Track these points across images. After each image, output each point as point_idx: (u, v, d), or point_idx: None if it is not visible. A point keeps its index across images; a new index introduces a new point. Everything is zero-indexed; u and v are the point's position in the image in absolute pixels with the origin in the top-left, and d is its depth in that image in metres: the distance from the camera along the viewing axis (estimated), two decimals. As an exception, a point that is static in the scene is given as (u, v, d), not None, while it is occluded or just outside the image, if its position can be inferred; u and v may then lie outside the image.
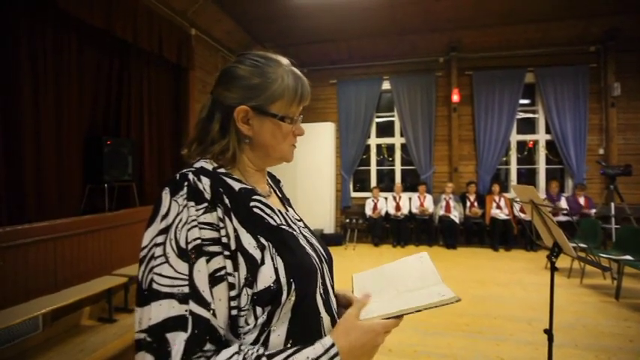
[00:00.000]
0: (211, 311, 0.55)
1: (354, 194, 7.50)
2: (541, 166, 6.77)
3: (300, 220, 0.80)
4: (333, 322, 0.68)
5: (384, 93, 7.37)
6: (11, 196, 2.91)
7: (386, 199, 6.96)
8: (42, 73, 3.14)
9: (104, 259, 3.38)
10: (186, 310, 0.54)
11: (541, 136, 6.76)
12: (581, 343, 2.73)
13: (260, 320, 0.59)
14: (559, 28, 6.09)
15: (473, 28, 6.21)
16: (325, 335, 0.62)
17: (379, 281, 0.74)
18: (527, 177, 7.11)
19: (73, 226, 3.08)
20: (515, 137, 6.85)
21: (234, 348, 0.56)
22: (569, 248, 2.03)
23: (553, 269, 1.98)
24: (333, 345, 0.58)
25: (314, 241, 0.75)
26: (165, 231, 0.57)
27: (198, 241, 0.56)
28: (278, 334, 0.60)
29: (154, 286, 0.54)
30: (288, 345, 0.60)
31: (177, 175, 0.61)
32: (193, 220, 0.57)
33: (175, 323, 0.53)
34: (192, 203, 0.57)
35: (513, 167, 6.93)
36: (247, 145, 0.70)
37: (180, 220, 0.56)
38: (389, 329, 0.63)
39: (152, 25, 4.20)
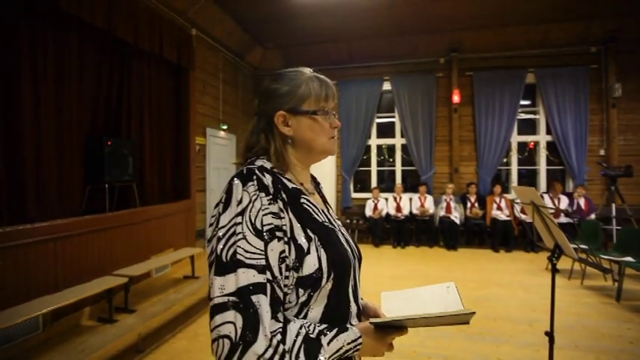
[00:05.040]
0: (278, 284, 0.66)
1: (354, 195, 7.50)
2: (542, 167, 6.76)
3: (339, 219, 0.89)
4: (358, 312, 0.80)
5: (385, 93, 7.37)
6: (12, 196, 2.91)
7: (386, 199, 6.95)
8: (43, 74, 3.15)
9: (104, 260, 3.38)
10: (264, 279, 0.64)
11: (542, 137, 6.76)
12: (582, 345, 2.73)
13: (301, 299, 0.70)
14: (560, 29, 6.09)
15: (473, 29, 6.22)
16: (351, 321, 0.76)
17: (405, 302, 0.83)
18: (528, 178, 7.10)
19: (74, 227, 3.08)
20: (515, 138, 6.84)
21: (299, 322, 0.67)
22: (570, 250, 2.02)
23: (554, 271, 1.98)
24: (360, 336, 0.71)
25: (349, 237, 0.85)
26: (241, 214, 0.67)
27: (272, 226, 0.67)
28: (314, 314, 0.71)
29: (238, 256, 0.64)
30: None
31: (244, 170, 0.73)
32: (266, 208, 0.68)
33: (258, 288, 0.63)
34: (263, 194, 0.69)
35: (514, 168, 6.92)
36: (290, 146, 0.81)
37: (254, 207, 0.67)
38: (393, 338, 0.76)
39: (153, 26, 4.21)
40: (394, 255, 5.97)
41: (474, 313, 0.66)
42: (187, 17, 5.00)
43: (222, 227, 0.67)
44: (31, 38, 3.04)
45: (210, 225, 0.70)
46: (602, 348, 2.68)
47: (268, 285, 0.64)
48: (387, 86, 7.19)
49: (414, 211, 6.67)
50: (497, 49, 6.59)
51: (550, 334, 1.97)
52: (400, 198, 6.81)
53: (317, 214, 0.77)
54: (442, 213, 6.48)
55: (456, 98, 6.70)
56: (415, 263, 5.39)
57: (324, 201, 0.92)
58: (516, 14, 5.68)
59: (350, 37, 6.57)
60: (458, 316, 0.68)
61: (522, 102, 6.72)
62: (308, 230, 0.72)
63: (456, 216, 6.39)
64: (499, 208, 6.30)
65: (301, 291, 0.69)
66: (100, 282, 3.01)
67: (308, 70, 0.84)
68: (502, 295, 3.87)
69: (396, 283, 4.39)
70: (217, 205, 0.71)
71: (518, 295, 3.87)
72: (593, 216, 5.77)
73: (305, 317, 0.70)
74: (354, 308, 0.78)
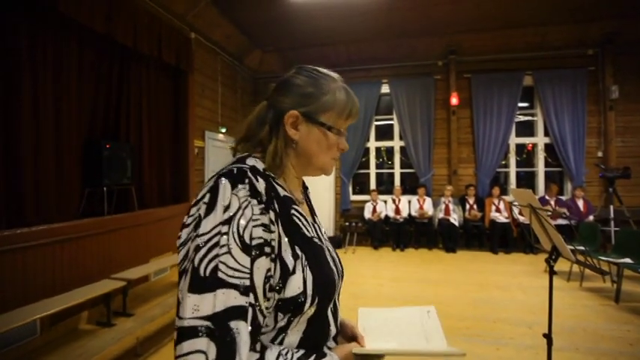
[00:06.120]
0: (260, 309, 0.57)
1: (353, 197, 7.50)
2: (540, 169, 6.78)
3: (325, 233, 0.83)
4: (336, 334, 0.74)
5: (383, 96, 7.39)
6: (10, 199, 2.90)
7: (385, 202, 6.95)
8: (42, 77, 3.14)
9: (103, 263, 3.37)
10: (246, 302, 0.55)
11: (540, 139, 6.78)
12: (582, 347, 2.73)
13: (279, 324, 0.62)
14: (557, 31, 6.12)
15: (471, 32, 6.24)
16: (328, 344, 0.70)
17: (382, 322, 0.79)
18: (527, 180, 7.11)
19: (72, 230, 3.07)
20: (514, 140, 6.86)
21: (275, 349, 0.60)
22: (568, 252, 2.02)
23: (552, 273, 1.98)
24: None
25: (335, 255, 0.78)
26: (228, 222, 0.57)
27: (261, 240, 0.58)
28: (292, 339, 0.64)
29: (220, 274, 0.55)
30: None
31: (234, 169, 0.63)
32: (257, 219, 0.59)
33: (238, 313, 0.54)
34: (254, 202, 0.60)
35: (512, 170, 6.93)
36: (292, 151, 0.73)
37: (244, 215, 0.58)
38: None
39: (152, 29, 4.22)
40: (393, 257, 5.96)
41: (463, 354, 0.63)
42: (186, 21, 5.01)
43: (204, 234, 0.57)
44: (31, 41, 3.04)
45: (187, 225, 0.60)
46: (602, 350, 2.68)
47: (250, 309, 0.55)
48: (385, 89, 7.22)
49: (413, 214, 6.67)
50: (495, 51, 6.62)
51: (548, 336, 1.97)
52: (399, 200, 6.81)
53: (306, 228, 0.70)
54: (441, 215, 6.49)
55: (454, 100, 6.72)
56: (414, 265, 5.38)
57: (312, 212, 0.85)
58: (514, 17, 5.71)
59: (349, 40, 6.59)
60: (445, 357, 0.67)
61: (520, 104, 6.74)
62: (296, 247, 0.64)
63: (455, 218, 6.39)
64: (498, 210, 6.31)
65: (280, 315, 0.62)
66: (98, 285, 3.00)
67: (338, 78, 0.74)
68: (501, 298, 3.87)
69: (396, 286, 4.38)
70: (197, 202, 0.60)
71: (518, 298, 3.86)
72: (591, 218, 5.77)
73: (281, 343, 0.63)
74: (333, 331, 0.72)
